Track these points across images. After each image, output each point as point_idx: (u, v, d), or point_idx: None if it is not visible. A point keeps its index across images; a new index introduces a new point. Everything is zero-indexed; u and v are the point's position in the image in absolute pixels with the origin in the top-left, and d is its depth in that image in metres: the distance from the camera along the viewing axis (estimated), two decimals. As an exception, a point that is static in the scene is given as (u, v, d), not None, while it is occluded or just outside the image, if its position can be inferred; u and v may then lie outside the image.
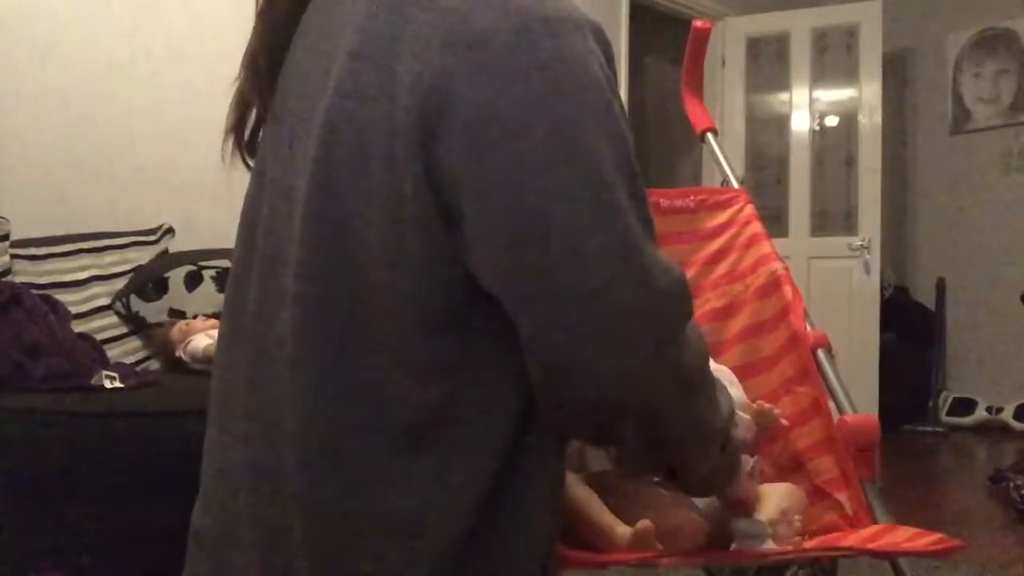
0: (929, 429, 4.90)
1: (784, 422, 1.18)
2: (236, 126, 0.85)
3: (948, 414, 5.01)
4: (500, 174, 0.63)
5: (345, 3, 0.73)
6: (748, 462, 1.07)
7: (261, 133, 0.84)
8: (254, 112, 0.84)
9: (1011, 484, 3.20)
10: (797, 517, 0.97)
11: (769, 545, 0.93)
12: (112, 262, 2.45)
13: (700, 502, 0.97)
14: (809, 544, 0.96)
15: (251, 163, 0.86)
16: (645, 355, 0.65)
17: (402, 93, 0.65)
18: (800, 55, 4.64)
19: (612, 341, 0.64)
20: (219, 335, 0.83)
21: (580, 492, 0.95)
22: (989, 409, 4.92)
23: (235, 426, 0.76)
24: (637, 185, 0.67)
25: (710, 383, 0.76)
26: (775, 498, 1.01)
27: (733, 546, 0.96)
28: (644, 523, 0.88)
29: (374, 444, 0.67)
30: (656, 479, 0.96)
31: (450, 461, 0.68)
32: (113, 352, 2.27)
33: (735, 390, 1.19)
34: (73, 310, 2.18)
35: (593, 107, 0.65)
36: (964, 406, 4.99)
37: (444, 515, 0.67)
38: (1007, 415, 4.83)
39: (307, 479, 0.68)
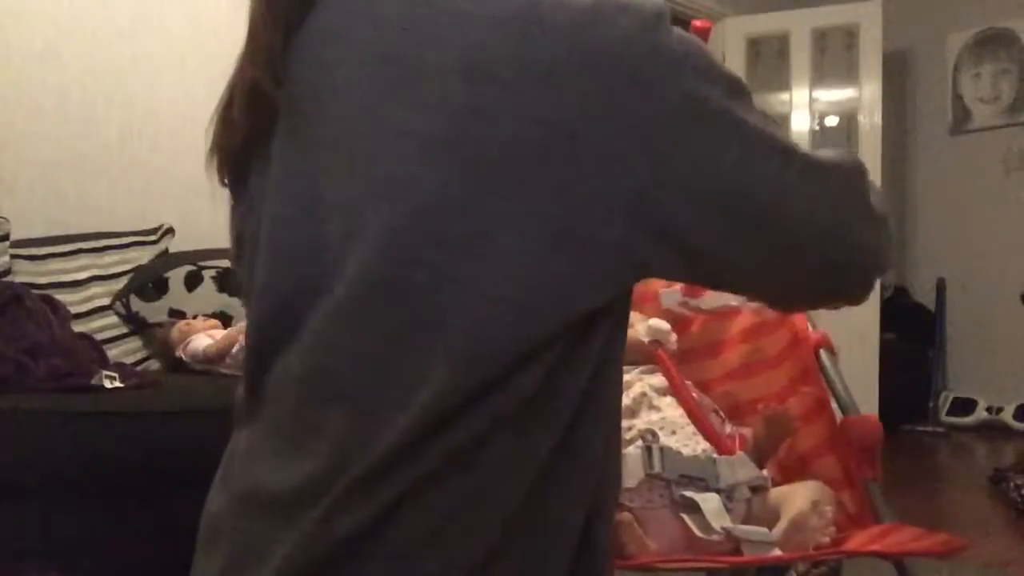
0: (929, 429, 4.90)
1: (796, 424, 1.18)
2: (224, 133, 0.80)
3: (948, 414, 5.01)
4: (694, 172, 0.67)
5: (413, 15, 0.70)
6: (761, 476, 1.06)
7: (273, 144, 0.78)
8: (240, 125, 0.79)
9: (1011, 484, 3.20)
10: (828, 508, 0.97)
11: (775, 551, 0.93)
12: (112, 262, 2.45)
13: (716, 523, 0.96)
14: (815, 548, 0.96)
15: (227, 178, 0.81)
16: (868, 226, 0.79)
17: (554, 119, 0.65)
18: (800, 55, 4.64)
19: (849, 235, 0.77)
20: (255, 342, 0.79)
21: None
22: (989, 409, 4.92)
23: (278, 426, 0.75)
24: (753, 103, 0.72)
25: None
26: (805, 492, 1.00)
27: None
28: (625, 515, 0.88)
29: (430, 457, 0.67)
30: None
31: (496, 476, 0.68)
32: (113, 352, 2.27)
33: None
34: (73, 310, 2.18)
35: (723, 77, 0.70)
36: (964, 406, 4.99)
37: (480, 528, 0.67)
38: (1007, 415, 4.83)
39: (358, 485, 0.68)
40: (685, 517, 0.97)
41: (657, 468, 0.98)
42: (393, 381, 0.69)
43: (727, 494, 1.00)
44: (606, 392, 0.74)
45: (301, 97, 0.75)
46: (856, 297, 0.82)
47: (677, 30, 0.68)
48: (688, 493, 0.98)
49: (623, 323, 0.76)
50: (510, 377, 0.67)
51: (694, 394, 1.17)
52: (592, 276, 0.68)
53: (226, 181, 0.81)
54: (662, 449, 1.00)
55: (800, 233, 0.73)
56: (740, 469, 1.04)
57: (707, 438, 1.06)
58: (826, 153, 0.76)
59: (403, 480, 0.67)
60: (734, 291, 0.82)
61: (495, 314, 0.66)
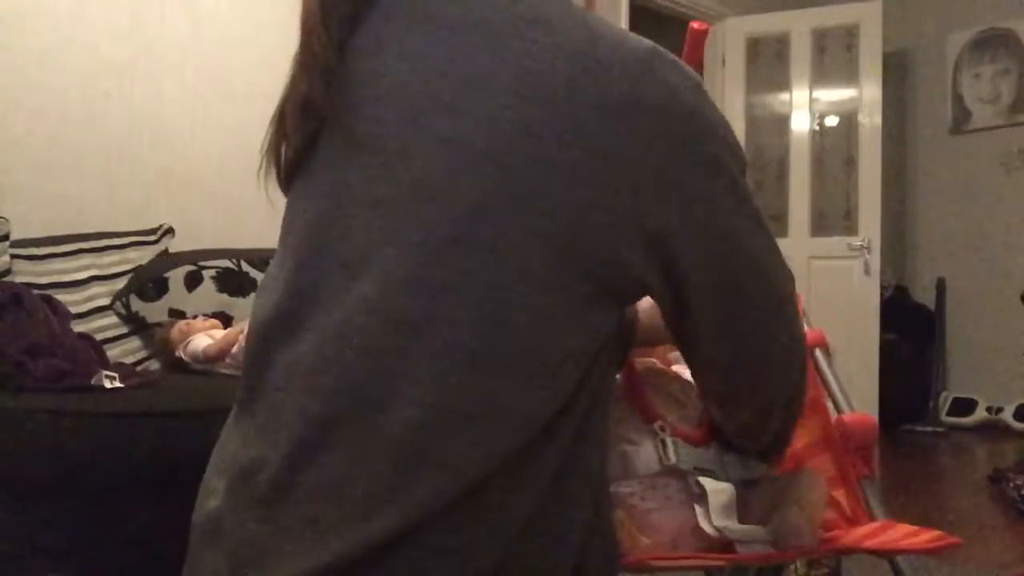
0: (929, 429, 4.90)
1: None
2: (278, 143, 0.81)
3: (948, 414, 5.01)
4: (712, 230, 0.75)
5: (470, 34, 0.73)
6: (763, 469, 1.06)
7: (321, 151, 0.79)
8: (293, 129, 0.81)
9: (1011, 484, 3.20)
10: (816, 509, 0.97)
11: (770, 549, 0.93)
12: (112, 262, 2.45)
13: (718, 519, 0.96)
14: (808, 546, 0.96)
15: (286, 185, 0.83)
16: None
17: (598, 148, 0.69)
18: (800, 55, 4.64)
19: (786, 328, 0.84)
20: (260, 337, 0.79)
21: None
22: (989, 409, 4.92)
23: (280, 421, 0.74)
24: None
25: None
26: (795, 490, 1.00)
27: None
28: (616, 512, 0.89)
29: (475, 465, 0.68)
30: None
31: (506, 491, 0.69)
32: (113, 352, 2.28)
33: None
34: (73, 310, 2.18)
35: (741, 154, 0.78)
36: (964, 406, 4.99)
37: (490, 542, 0.69)
38: (1007, 415, 4.84)
39: (400, 491, 0.68)
40: (696, 507, 0.97)
41: (673, 459, 0.98)
42: (411, 377, 0.69)
43: (739, 485, 1.00)
44: (606, 405, 0.77)
45: (346, 99, 0.77)
46: (770, 400, 0.89)
47: (712, 102, 0.76)
48: (703, 480, 0.98)
49: (622, 337, 0.82)
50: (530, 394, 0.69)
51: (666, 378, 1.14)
52: (607, 297, 0.72)
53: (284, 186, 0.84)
54: (675, 442, 1.00)
55: (766, 304, 0.81)
56: (749, 463, 1.04)
57: (647, 419, 1.05)
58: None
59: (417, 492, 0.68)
60: (690, 356, 0.86)
61: (517, 320, 0.69)
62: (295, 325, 0.76)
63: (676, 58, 0.75)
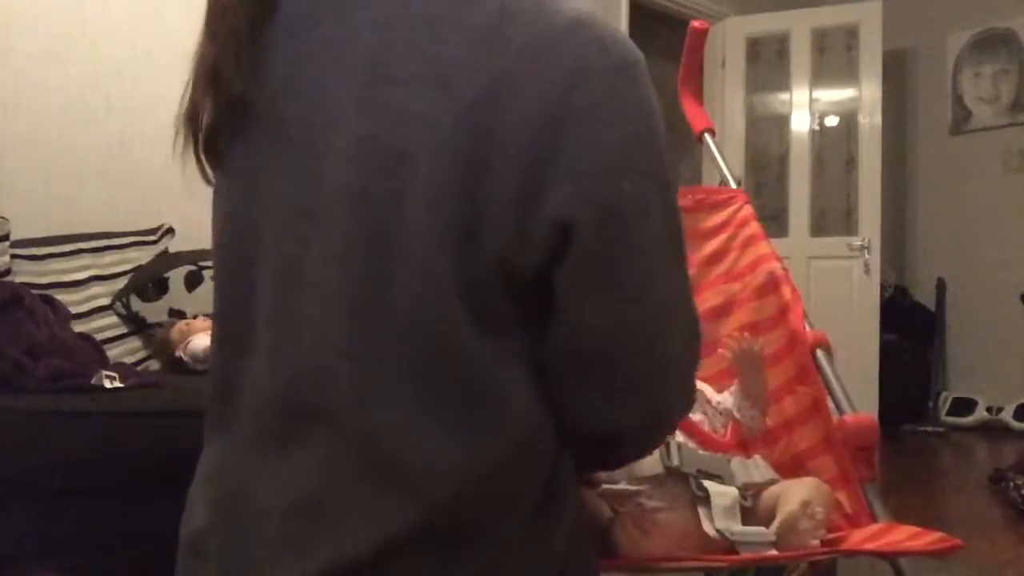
0: (929, 429, 4.90)
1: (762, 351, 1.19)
2: (194, 117, 0.77)
3: (948, 414, 5.01)
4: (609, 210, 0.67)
5: (388, 20, 0.70)
6: (774, 477, 1.06)
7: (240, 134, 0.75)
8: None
9: (1011, 484, 3.20)
10: (819, 509, 0.97)
11: (772, 551, 0.93)
12: (112, 262, 2.45)
13: (720, 521, 0.96)
14: (810, 547, 0.96)
15: (208, 164, 0.78)
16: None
17: (491, 128, 0.65)
18: (800, 55, 4.64)
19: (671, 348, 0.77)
20: (218, 347, 0.79)
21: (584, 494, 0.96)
22: (989, 409, 4.91)
23: (256, 438, 0.73)
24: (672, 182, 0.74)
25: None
26: (796, 492, 1.00)
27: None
28: (621, 512, 0.90)
29: (437, 482, 0.67)
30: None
31: (507, 508, 0.70)
32: (113, 352, 2.27)
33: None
34: (73, 310, 2.19)
35: (663, 151, 0.70)
36: (964, 406, 4.99)
37: (483, 547, 0.68)
38: (1007, 415, 4.83)
39: (374, 491, 0.67)
40: (700, 511, 0.97)
41: (675, 462, 0.98)
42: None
43: (743, 493, 1.01)
44: None
45: (265, 93, 0.73)
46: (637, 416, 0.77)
47: (650, 90, 0.69)
48: (706, 483, 0.99)
49: None
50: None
51: None
52: (514, 285, 0.68)
53: (203, 161, 0.78)
54: (679, 445, 1.00)
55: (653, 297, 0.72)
56: (754, 470, 1.04)
57: (691, 435, 1.06)
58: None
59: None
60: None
61: (438, 324, 0.66)
62: (247, 342, 0.74)
63: (610, 33, 0.68)
